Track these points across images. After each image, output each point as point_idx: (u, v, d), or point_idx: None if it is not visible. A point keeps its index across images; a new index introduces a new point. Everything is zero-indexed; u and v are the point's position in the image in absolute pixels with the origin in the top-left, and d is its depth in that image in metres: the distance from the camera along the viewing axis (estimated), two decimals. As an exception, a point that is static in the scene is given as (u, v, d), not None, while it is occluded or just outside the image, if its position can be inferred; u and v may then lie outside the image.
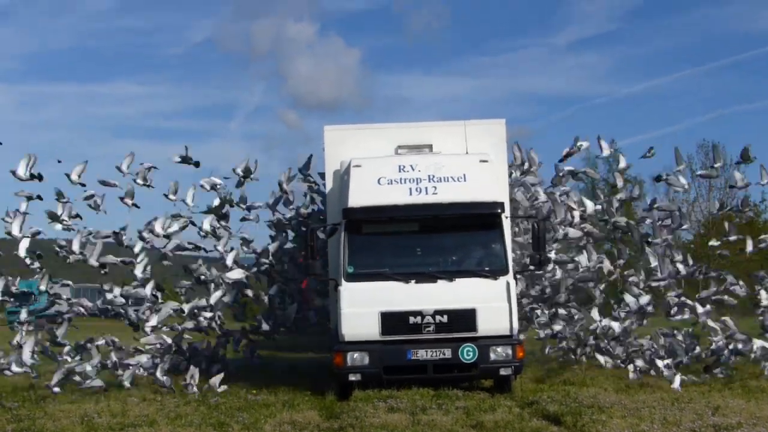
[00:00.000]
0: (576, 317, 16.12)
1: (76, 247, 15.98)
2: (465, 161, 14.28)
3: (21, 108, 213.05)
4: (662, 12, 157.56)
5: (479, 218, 13.86)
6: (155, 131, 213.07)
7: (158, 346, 15.41)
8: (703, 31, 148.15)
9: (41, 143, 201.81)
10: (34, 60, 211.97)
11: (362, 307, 13.35)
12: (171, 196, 16.62)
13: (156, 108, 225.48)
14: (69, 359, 15.08)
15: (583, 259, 16.22)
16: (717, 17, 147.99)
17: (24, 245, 15.99)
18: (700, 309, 15.61)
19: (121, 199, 16.63)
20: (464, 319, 13.31)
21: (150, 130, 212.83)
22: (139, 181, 16.57)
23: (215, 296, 16.10)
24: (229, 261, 16.49)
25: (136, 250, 16.37)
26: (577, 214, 16.28)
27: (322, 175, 16.11)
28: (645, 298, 15.77)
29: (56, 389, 14.32)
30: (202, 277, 16.70)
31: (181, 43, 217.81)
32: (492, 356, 13.28)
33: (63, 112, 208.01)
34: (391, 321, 13.30)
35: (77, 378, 14.62)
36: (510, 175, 15.91)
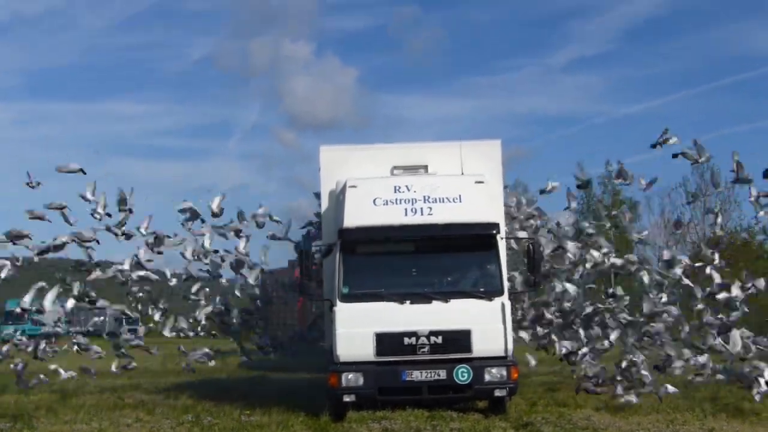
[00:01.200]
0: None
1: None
2: (460, 182, 14.34)
3: (19, 125, 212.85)
4: (660, 34, 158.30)
5: (474, 239, 13.89)
6: (154, 149, 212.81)
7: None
8: (700, 53, 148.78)
9: (40, 160, 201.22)
10: (33, 77, 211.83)
11: (357, 327, 13.34)
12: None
13: (154, 126, 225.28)
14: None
15: None
16: (713, 40, 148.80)
17: None
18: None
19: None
20: (459, 340, 13.31)
21: (148, 148, 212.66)
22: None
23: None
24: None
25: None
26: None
27: (318, 195, 16.17)
28: None
29: None
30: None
31: (180, 61, 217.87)
32: (487, 377, 13.27)
33: (61, 130, 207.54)
34: (386, 342, 13.30)
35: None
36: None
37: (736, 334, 14.84)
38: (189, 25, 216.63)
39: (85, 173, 16.49)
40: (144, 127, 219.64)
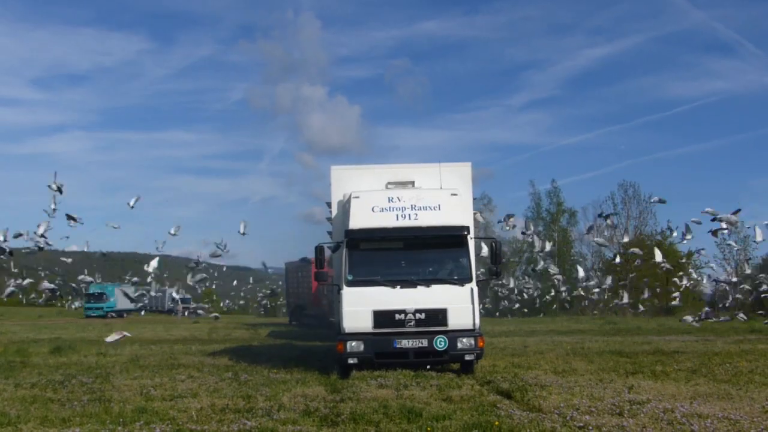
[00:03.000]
0: None
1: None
2: (439, 194, 14.29)
3: (98, 150, 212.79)
4: (593, 82, 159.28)
5: (450, 238, 13.84)
6: (202, 169, 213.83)
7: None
8: (624, 97, 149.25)
9: (113, 178, 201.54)
10: (108, 113, 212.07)
11: (359, 306, 13.32)
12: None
13: (203, 151, 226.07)
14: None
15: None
16: (634, 87, 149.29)
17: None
18: None
19: None
20: (438, 316, 13.28)
21: (198, 168, 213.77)
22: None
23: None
24: None
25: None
26: None
27: (329, 204, 16.15)
28: None
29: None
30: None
31: (223, 102, 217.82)
32: (459, 345, 13.25)
33: (130, 154, 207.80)
34: (381, 317, 13.27)
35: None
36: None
37: None
38: (230, 73, 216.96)
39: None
40: (195, 152, 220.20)
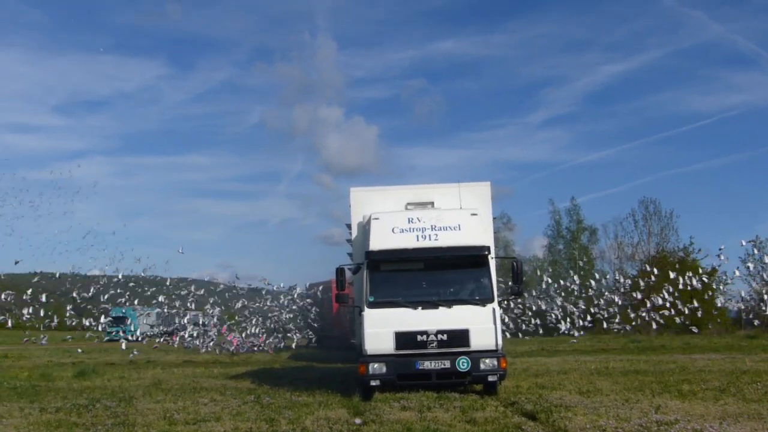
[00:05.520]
0: None
1: None
2: (459, 214, 14.28)
3: (119, 175, 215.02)
4: (612, 98, 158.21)
5: (471, 258, 13.78)
6: (221, 192, 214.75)
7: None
8: (643, 113, 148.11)
9: (134, 202, 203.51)
10: (129, 138, 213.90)
11: (381, 327, 13.25)
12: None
13: (221, 174, 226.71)
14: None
15: None
16: (652, 103, 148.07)
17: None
18: None
19: None
20: (460, 337, 13.18)
21: (217, 192, 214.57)
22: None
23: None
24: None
25: None
26: None
27: (349, 226, 16.17)
28: None
29: None
30: None
31: (241, 125, 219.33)
32: (482, 366, 13.13)
33: (150, 178, 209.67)
34: (403, 338, 13.20)
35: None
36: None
37: None
38: (247, 97, 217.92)
39: None
40: (213, 175, 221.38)
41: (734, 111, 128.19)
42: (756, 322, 33.30)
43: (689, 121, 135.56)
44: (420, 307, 13.31)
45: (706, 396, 13.00)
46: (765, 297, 29.44)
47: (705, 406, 11.76)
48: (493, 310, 13.32)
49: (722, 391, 13.56)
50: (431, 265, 13.90)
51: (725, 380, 15.30)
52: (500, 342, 13.36)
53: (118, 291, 28.16)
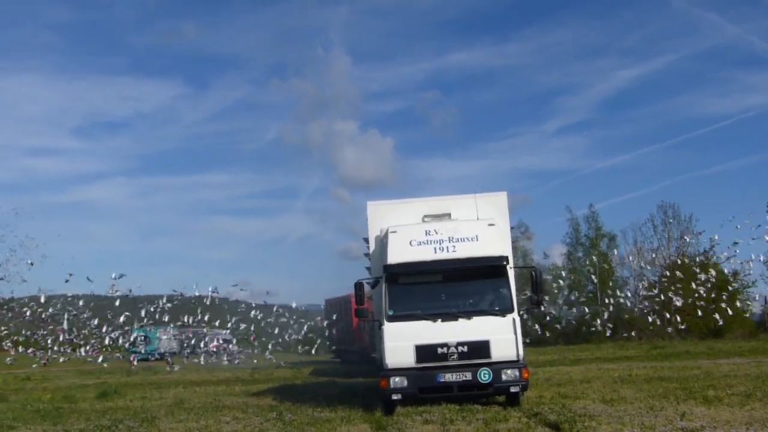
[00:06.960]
0: None
1: None
2: (476, 225, 14.27)
3: (138, 195, 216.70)
4: (628, 103, 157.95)
5: (489, 269, 13.74)
6: (238, 209, 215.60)
7: None
8: (659, 117, 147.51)
9: (152, 222, 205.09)
10: (147, 159, 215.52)
11: (401, 341, 13.22)
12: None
13: (239, 191, 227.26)
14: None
15: None
16: (669, 106, 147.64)
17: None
18: None
19: None
20: (481, 348, 13.12)
21: (234, 209, 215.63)
22: None
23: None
24: None
25: None
26: None
27: (366, 240, 16.20)
28: None
29: None
30: None
31: (258, 141, 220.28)
32: (504, 377, 13.07)
33: (169, 198, 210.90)
34: (424, 351, 13.16)
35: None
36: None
37: None
38: (264, 113, 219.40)
39: None
40: (231, 192, 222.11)
41: (752, 112, 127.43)
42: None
43: (706, 124, 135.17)
44: (440, 320, 13.27)
45: (732, 401, 12.87)
46: None
47: (731, 411, 11.65)
48: (513, 320, 13.27)
49: (748, 396, 13.42)
50: (450, 277, 13.87)
51: (751, 385, 15.14)
52: (521, 352, 13.29)
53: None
